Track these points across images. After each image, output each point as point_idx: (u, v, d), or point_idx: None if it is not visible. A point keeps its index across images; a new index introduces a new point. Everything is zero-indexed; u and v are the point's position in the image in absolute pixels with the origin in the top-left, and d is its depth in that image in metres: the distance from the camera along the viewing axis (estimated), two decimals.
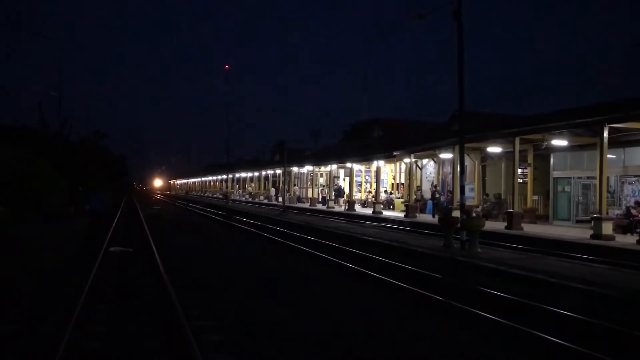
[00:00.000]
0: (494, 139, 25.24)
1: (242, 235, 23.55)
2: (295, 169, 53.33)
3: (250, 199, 64.51)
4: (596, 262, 13.51)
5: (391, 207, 36.55)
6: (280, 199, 49.08)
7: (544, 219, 25.66)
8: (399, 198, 37.51)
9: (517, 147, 22.54)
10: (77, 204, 32.67)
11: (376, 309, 9.31)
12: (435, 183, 33.30)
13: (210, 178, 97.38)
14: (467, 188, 18.58)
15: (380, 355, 6.76)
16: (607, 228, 17.76)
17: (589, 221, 20.02)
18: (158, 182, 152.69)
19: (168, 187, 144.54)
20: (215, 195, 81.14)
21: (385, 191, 40.55)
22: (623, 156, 22.32)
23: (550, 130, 21.47)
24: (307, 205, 44.78)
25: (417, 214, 29.27)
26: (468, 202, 18.76)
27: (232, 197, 65.51)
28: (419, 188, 33.71)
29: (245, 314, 8.65)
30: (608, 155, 19.17)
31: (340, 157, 43.04)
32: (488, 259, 12.81)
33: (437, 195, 30.54)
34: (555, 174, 25.48)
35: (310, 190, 51.36)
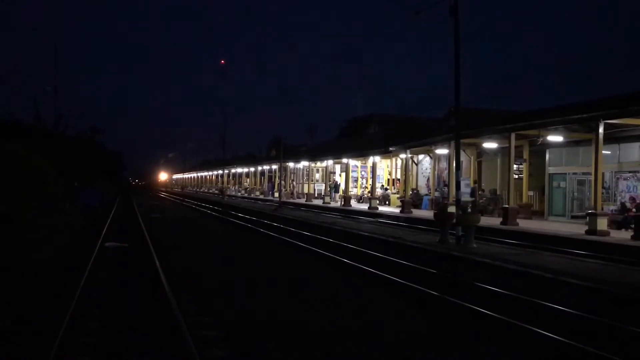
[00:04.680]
0: (489, 135, 25.27)
1: (238, 231, 23.54)
2: (291, 165, 53.36)
3: (246, 195, 64.52)
4: (591, 257, 13.56)
5: (387, 202, 36.59)
6: (276, 195, 49.10)
7: (539, 214, 25.74)
8: (394, 194, 37.56)
9: (513, 142, 22.58)
10: (72, 199, 32.61)
11: (371, 305, 9.31)
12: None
13: (206, 173, 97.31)
14: (462, 184, 18.61)
15: (375, 349, 6.77)
16: (602, 224, 17.81)
17: (584, 217, 20.09)
18: (155, 178, 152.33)
19: (164, 182, 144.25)
20: (211, 191, 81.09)
21: (382, 186, 40.61)
22: (618, 152, 22.39)
23: (546, 126, 21.50)
24: (303, 200, 44.79)
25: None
26: (464, 198, 18.79)
27: (228, 193, 65.50)
28: (446, 184, 33.12)
29: (243, 312, 8.65)
30: (603, 151, 19.22)
31: (336, 152, 43.04)
32: (483, 254, 12.85)
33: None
34: (550, 169, 25.53)
35: (306, 186, 51.39)
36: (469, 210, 15.95)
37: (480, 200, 27.57)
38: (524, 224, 21.53)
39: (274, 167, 56.93)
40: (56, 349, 5.93)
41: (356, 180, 46.55)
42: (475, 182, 27.89)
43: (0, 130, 32.05)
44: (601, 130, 18.35)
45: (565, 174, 24.88)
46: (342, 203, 36.18)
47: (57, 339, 6.20)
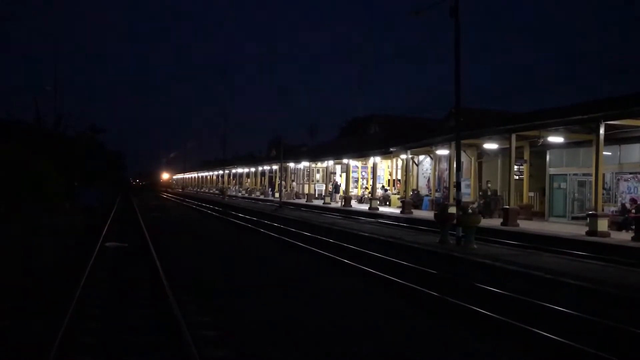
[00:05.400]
0: (490, 135, 25.25)
1: (238, 231, 23.54)
2: (291, 165, 53.34)
3: (246, 195, 64.50)
4: (591, 258, 13.55)
5: (387, 203, 36.58)
6: (276, 195, 49.10)
7: (539, 215, 25.71)
8: (395, 194, 37.55)
9: (514, 143, 22.56)
10: (72, 199, 32.62)
11: (371, 305, 9.31)
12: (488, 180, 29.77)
13: (206, 174, 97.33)
14: (463, 184, 18.60)
15: (375, 349, 6.77)
16: (603, 225, 17.79)
17: (584, 218, 20.07)
18: (155, 178, 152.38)
19: (165, 182, 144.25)
20: (211, 191, 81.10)
21: (382, 187, 40.61)
22: (619, 153, 22.37)
23: (547, 126, 21.48)
24: (303, 201, 44.78)
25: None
26: (464, 199, 18.76)
27: (229, 193, 65.49)
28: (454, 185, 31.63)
29: (243, 312, 8.64)
30: (604, 152, 19.20)
31: (336, 153, 43.03)
32: (484, 255, 12.84)
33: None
34: (551, 170, 25.52)
35: (306, 186, 51.37)
36: (469, 211, 15.90)
37: (481, 201, 27.54)
38: (525, 224, 21.52)
39: (275, 167, 56.90)
40: (56, 348, 5.93)
41: (357, 181, 46.54)
42: (488, 182, 27.37)
43: (0, 130, 32.07)
44: (602, 131, 18.33)
45: (566, 175, 24.87)
46: (343, 203, 36.16)
47: (57, 338, 6.20)
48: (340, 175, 46.42)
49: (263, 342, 6.93)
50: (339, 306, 9.17)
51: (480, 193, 28.81)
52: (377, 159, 36.18)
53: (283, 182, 48.39)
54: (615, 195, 22.37)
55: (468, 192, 29.04)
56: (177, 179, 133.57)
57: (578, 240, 16.95)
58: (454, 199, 17.57)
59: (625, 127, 20.25)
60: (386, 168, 43.16)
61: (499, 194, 27.80)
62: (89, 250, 13.41)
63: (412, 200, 31.00)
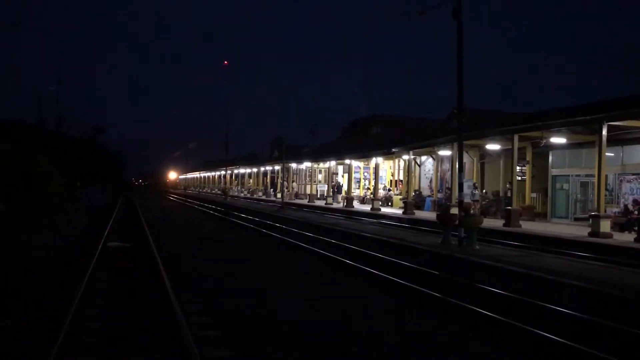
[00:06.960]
0: (492, 136, 25.23)
1: (240, 231, 23.54)
2: (293, 165, 53.36)
3: (248, 195, 64.52)
4: (594, 259, 13.52)
5: (389, 204, 36.57)
6: (278, 195, 49.12)
7: (542, 216, 25.67)
8: (397, 195, 37.54)
9: (516, 144, 22.54)
10: (74, 199, 32.68)
11: (373, 306, 9.30)
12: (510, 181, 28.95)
13: (208, 174, 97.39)
14: (465, 185, 18.54)
15: (376, 350, 6.76)
16: (605, 226, 17.77)
17: (587, 219, 20.03)
18: (157, 178, 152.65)
19: (167, 182, 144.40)
20: (214, 191, 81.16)
21: (385, 188, 40.59)
22: (621, 154, 22.33)
23: (549, 127, 21.46)
24: (305, 201, 44.77)
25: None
26: (466, 199, 18.74)
27: (231, 193, 65.51)
28: (475, 187, 29.37)
29: (243, 313, 8.64)
30: (606, 153, 19.17)
31: (338, 153, 43.03)
32: (486, 256, 12.82)
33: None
34: (553, 171, 25.48)
35: (308, 187, 51.35)
36: (471, 212, 15.89)
37: (483, 202, 27.50)
38: (527, 225, 21.48)
39: (277, 167, 56.91)
40: (57, 348, 5.93)
41: (359, 182, 46.53)
42: (509, 182, 26.77)
43: (3, 130, 32.17)
44: (604, 132, 18.29)
45: (568, 175, 24.83)
46: (345, 204, 36.15)
47: (58, 338, 6.20)
48: (343, 176, 46.42)
49: (263, 343, 6.92)
50: (341, 306, 9.16)
51: (483, 193, 28.79)
52: (379, 159, 36.17)
53: (285, 183, 48.41)
54: (618, 196, 22.33)
55: (469, 193, 28.96)
56: (179, 179, 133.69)
57: (580, 241, 16.92)
58: (456, 199, 17.55)
59: (628, 128, 20.21)
60: (388, 169, 43.15)
61: (501, 194, 27.76)
62: (91, 251, 13.41)
63: (414, 201, 31.00)
